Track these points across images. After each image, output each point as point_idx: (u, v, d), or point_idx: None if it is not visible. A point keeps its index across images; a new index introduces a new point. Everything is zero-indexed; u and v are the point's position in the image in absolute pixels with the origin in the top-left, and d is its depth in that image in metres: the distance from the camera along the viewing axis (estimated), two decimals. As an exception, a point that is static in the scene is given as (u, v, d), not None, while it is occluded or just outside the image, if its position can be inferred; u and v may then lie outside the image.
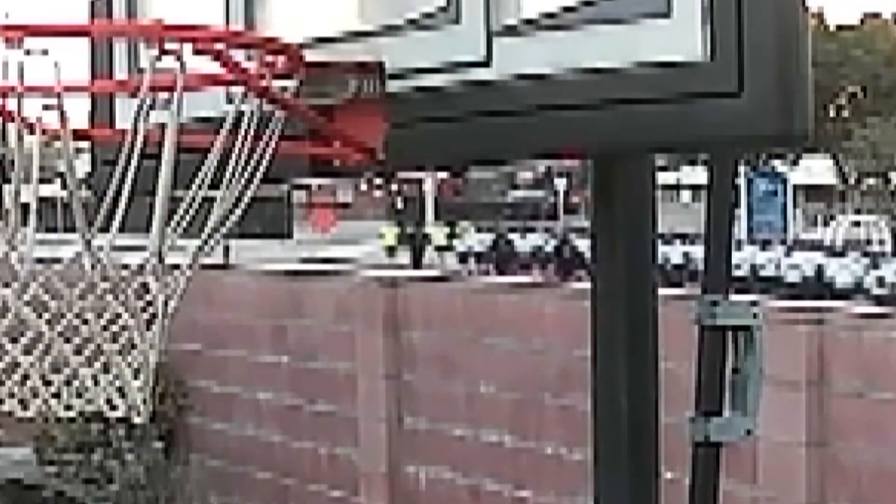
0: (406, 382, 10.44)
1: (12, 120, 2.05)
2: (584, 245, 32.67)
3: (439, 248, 38.06)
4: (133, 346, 2.11)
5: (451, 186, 57.20)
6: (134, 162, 2.01)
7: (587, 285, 2.73)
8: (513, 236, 36.18)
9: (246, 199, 2.22)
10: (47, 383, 2.13)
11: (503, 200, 62.27)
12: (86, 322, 2.09)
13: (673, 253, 30.91)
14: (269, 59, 2.24)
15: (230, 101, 2.39)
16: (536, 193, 63.50)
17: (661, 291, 2.82)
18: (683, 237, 31.43)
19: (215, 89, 2.42)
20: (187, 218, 2.17)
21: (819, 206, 61.48)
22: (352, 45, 2.45)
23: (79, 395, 2.14)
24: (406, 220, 43.85)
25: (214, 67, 2.13)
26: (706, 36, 2.01)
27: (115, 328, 2.11)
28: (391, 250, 37.82)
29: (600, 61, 2.12)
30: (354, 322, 10.84)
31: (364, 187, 59.55)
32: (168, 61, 2.01)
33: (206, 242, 2.19)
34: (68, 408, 2.16)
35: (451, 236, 39.32)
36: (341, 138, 2.48)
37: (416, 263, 36.73)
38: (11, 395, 2.15)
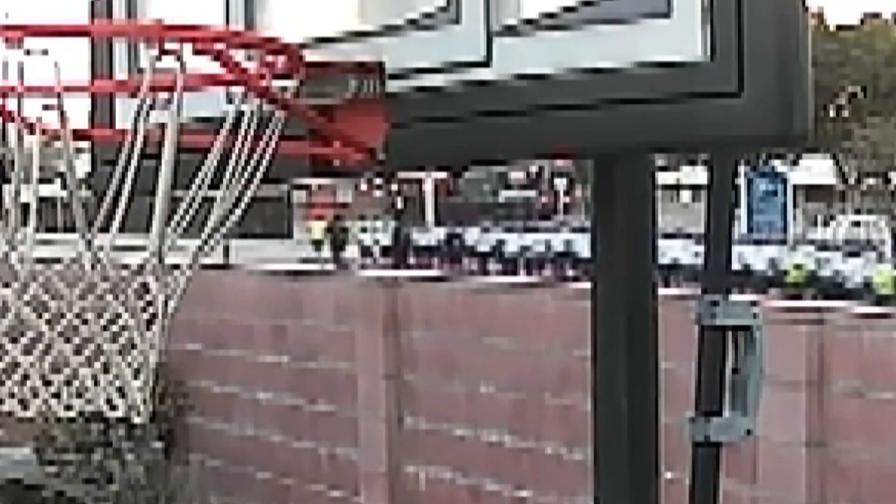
0: (406, 382, 10.44)
1: (12, 120, 2.05)
2: (471, 238, 37.59)
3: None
4: (133, 346, 2.11)
5: (445, 186, 57.35)
6: (134, 162, 2.01)
7: (587, 285, 2.73)
8: (415, 233, 40.15)
9: (246, 199, 2.22)
10: (47, 383, 2.13)
11: (495, 200, 62.40)
12: (86, 322, 2.09)
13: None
14: (269, 59, 2.24)
15: (230, 101, 2.39)
16: (529, 193, 63.58)
17: (661, 291, 2.82)
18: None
19: (215, 89, 2.42)
20: (187, 218, 2.17)
21: (819, 206, 61.41)
22: (352, 45, 2.45)
23: (79, 395, 2.14)
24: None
25: (214, 67, 2.13)
26: (706, 36, 2.01)
27: (115, 328, 2.11)
28: (318, 244, 39.47)
29: (600, 61, 2.12)
30: (354, 322, 10.84)
31: (364, 187, 59.56)
32: (168, 61, 2.01)
33: (206, 242, 2.19)
34: (68, 408, 2.16)
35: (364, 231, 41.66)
36: (341, 138, 2.48)
37: (336, 256, 38.82)
38: (11, 395, 2.14)
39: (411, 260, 37.99)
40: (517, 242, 36.88)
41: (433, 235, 39.54)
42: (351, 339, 10.88)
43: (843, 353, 7.46)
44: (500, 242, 37.17)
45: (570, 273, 33.34)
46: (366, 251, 39.43)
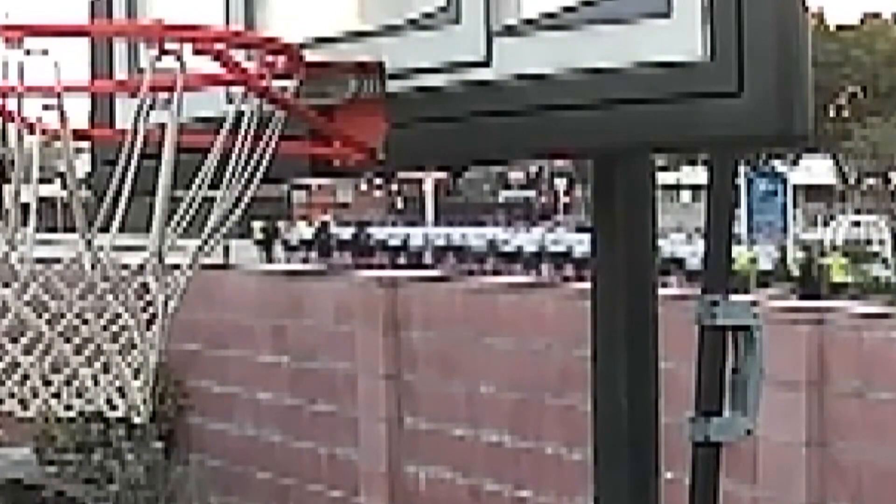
0: (406, 382, 10.44)
1: (12, 120, 2.05)
2: (380, 234, 41.53)
3: (303, 241, 42.66)
4: (133, 346, 2.11)
5: (445, 186, 57.50)
6: (134, 162, 2.01)
7: (587, 285, 2.73)
8: (336, 229, 43.33)
9: (246, 199, 2.22)
10: (47, 383, 2.13)
11: (494, 200, 62.58)
12: (86, 322, 2.09)
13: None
14: (269, 59, 2.24)
15: (230, 101, 2.39)
16: (529, 193, 63.66)
17: (661, 291, 2.82)
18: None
19: (215, 89, 2.42)
20: (187, 218, 2.17)
21: (819, 206, 61.32)
22: (352, 45, 2.45)
23: (79, 395, 2.14)
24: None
25: (214, 67, 2.13)
26: (706, 36, 2.01)
27: (115, 328, 2.11)
28: (260, 243, 40.89)
29: (600, 61, 2.12)
30: (354, 322, 10.84)
31: (364, 187, 59.58)
32: (168, 61, 2.01)
33: (206, 242, 2.19)
34: (68, 408, 2.16)
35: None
36: (341, 138, 2.48)
37: (269, 255, 40.84)
38: (11, 395, 2.14)
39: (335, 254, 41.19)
40: (420, 236, 41.05)
41: (349, 231, 43.02)
42: (351, 339, 10.88)
43: (843, 353, 7.46)
44: (406, 237, 41.20)
45: (465, 265, 36.92)
46: (292, 248, 41.86)
